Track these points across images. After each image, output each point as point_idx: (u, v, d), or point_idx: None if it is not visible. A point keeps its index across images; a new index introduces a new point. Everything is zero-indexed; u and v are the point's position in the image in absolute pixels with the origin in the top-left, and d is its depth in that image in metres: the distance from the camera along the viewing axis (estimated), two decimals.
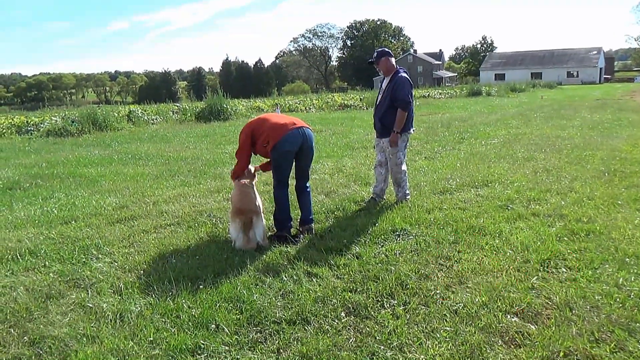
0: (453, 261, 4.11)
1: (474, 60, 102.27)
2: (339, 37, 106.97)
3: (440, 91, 41.73)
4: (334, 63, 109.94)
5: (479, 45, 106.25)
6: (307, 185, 5.13)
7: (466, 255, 4.21)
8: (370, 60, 5.88)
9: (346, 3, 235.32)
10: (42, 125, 17.59)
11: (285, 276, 3.87)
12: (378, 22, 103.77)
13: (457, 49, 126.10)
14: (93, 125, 16.70)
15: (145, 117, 20.10)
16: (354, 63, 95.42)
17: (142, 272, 4.02)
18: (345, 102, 28.18)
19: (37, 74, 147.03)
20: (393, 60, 5.82)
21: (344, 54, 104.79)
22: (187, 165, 9.26)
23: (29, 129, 17.90)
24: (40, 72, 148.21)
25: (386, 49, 5.91)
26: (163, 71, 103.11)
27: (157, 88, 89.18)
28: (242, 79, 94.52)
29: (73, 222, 5.59)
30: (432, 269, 3.97)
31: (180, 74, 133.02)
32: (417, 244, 4.53)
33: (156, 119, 20.41)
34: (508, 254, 4.21)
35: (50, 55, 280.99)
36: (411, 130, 5.88)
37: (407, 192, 6.07)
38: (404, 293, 3.55)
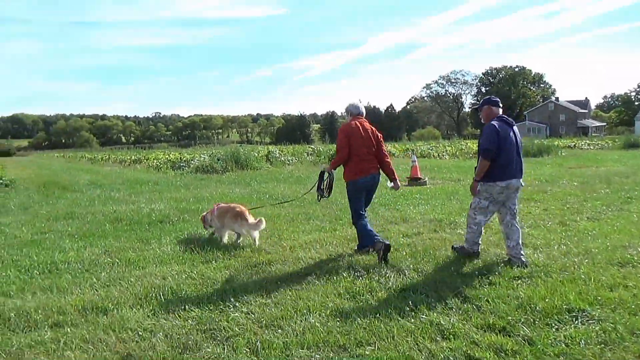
0: None
1: (627, 109, 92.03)
2: (472, 84, 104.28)
3: (588, 141, 37.92)
4: (467, 109, 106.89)
5: (633, 94, 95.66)
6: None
7: None
8: (476, 107, 5.83)
9: (483, 50, 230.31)
10: (192, 162, 19.22)
11: (442, 357, 3.24)
12: (516, 69, 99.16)
13: (605, 97, 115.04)
14: (235, 163, 17.76)
15: (282, 158, 20.96)
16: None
17: (279, 330, 3.69)
18: None
19: (192, 115, 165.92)
20: (496, 109, 5.54)
21: (477, 100, 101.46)
22: (322, 209, 9.10)
23: (182, 164, 19.67)
24: (195, 114, 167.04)
25: (493, 98, 5.66)
26: (299, 114, 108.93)
27: (292, 130, 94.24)
28: (373, 124, 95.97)
29: (213, 261, 5.58)
30: None
31: (314, 117, 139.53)
32: (604, 333, 3.59)
33: (292, 160, 21.16)
34: None
35: (203, 99, 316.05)
36: (501, 183, 5.32)
37: (475, 248, 5.62)
38: None
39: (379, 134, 5.96)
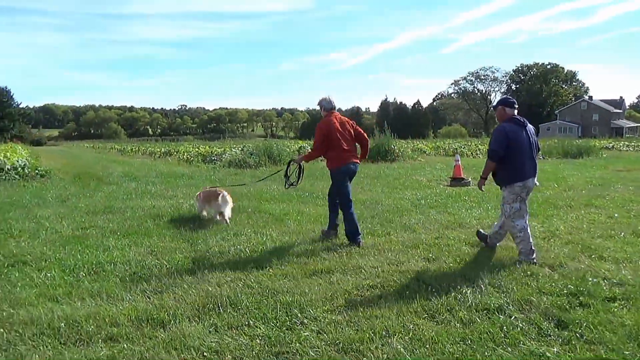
0: None
1: None
2: (503, 81, 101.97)
3: (627, 143, 36.52)
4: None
5: None
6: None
7: None
8: (494, 106, 5.92)
9: (515, 46, 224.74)
10: (224, 156, 18.94)
11: None
12: (548, 66, 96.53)
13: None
14: (269, 158, 17.41)
15: None
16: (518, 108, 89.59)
17: (362, 357, 3.24)
18: None
19: (217, 108, 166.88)
20: (510, 110, 5.54)
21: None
22: (368, 209, 8.63)
23: (213, 158, 19.41)
24: (220, 107, 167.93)
25: (509, 99, 5.71)
26: None
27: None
28: (399, 120, 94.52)
29: (268, 267, 5.18)
30: None
31: (339, 112, 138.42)
32: None
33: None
34: None
35: (228, 92, 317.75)
36: (519, 183, 5.38)
37: (533, 257, 5.34)
38: None
39: (353, 122, 6.55)
